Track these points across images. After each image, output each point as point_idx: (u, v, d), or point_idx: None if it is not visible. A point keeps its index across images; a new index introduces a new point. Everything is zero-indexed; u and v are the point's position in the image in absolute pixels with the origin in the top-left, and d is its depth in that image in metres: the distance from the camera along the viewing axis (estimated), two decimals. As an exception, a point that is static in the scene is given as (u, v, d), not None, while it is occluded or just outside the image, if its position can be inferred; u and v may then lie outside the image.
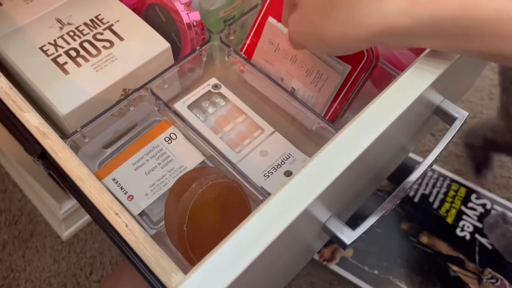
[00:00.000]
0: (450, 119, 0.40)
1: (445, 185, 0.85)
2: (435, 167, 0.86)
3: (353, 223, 0.35)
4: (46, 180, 0.66)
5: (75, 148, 0.43)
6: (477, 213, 0.81)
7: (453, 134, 0.39)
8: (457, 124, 0.40)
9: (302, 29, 0.34)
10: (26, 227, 0.79)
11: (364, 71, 0.44)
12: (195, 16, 0.49)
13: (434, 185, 0.84)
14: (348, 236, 0.34)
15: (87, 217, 0.79)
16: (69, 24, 0.48)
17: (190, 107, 0.50)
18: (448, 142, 0.40)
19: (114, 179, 0.43)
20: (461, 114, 0.40)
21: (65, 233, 0.77)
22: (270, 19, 0.47)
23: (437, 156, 0.40)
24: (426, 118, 0.43)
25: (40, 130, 0.33)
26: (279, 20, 0.47)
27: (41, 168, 0.42)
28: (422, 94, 0.33)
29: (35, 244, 0.78)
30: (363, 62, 0.44)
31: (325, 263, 0.77)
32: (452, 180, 0.85)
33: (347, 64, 0.43)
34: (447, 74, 0.35)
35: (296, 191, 0.28)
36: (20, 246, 0.78)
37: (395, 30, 0.29)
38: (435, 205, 0.82)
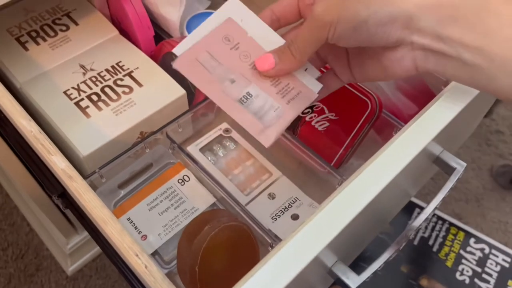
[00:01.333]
0: (449, 169, 0.42)
1: (444, 228, 0.86)
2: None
3: (354, 265, 0.37)
4: (57, 216, 0.68)
5: (93, 188, 0.45)
6: (476, 258, 0.83)
7: (452, 184, 0.42)
8: (456, 174, 0.42)
9: (338, 4, 0.32)
10: (32, 261, 0.80)
11: (368, 121, 0.47)
12: (209, 65, 0.52)
13: (433, 229, 0.86)
14: (353, 280, 0.36)
15: (92, 252, 0.80)
16: (91, 70, 0.52)
17: (202, 150, 0.52)
18: (448, 192, 0.42)
19: (129, 219, 0.45)
20: (460, 164, 0.42)
21: (71, 268, 0.78)
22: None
23: (438, 205, 0.42)
24: (427, 167, 0.46)
25: (67, 173, 0.35)
26: None
27: (60, 206, 0.44)
28: (424, 148, 0.35)
29: (40, 279, 0.78)
30: (367, 112, 0.47)
31: (326, 304, 0.77)
32: (451, 224, 0.87)
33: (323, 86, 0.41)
34: (448, 129, 0.38)
35: (307, 238, 0.30)
36: (26, 281, 0.78)
37: (380, 16, 0.30)
38: (435, 249, 0.83)
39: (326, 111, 0.50)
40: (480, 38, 0.28)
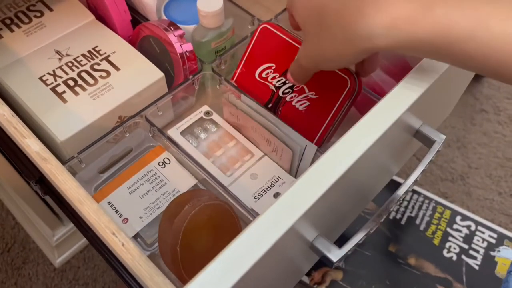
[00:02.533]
0: (429, 142, 0.43)
1: (430, 207, 0.87)
2: (420, 190, 0.89)
3: (340, 245, 0.37)
4: (40, 207, 0.67)
5: (72, 173, 0.45)
6: (463, 235, 0.83)
7: (431, 157, 0.42)
8: (435, 147, 0.42)
9: (312, 54, 0.39)
10: (19, 254, 0.80)
11: (348, 98, 0.47)
12: (187, 47, 0.52)
13: (420, 208, 0.87)
14: (335, 254, 0.36)
15: (79, 244, 0.79)
16: (67, 55, 0.51)
17: (183, 133, 0.52)
18: (428, 164, 0.42)
19: (109, 203, 0.44)
20: (439, 137, 0.43)
21: (58, 260, 0.77)
22: (229, 97, 0.51)
23: (418, 177, 0.42)
24: (407, 141, 0.46)
25: (41, 155, 0.35)
26: (249, 88, 0.51)
27: (39, 192, 0.44)
28: (400, 118, 0.35)
29: (28, 272, 0.78)
30: (346, 90, 0.47)
31: (315, 286, 0.78)
32: (437, 203, 0.87)
33: (304, 138, 0.46)
34: (423, 100, 0.38)
35: (282, 210, 0.30)
36: (13, 274, 0.78)
37: (380, 48, 0.33)
38: (422, 227, 0.84)
39: (306, 90, 0.49)
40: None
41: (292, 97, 0.50)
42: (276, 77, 0.50)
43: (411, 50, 0.32)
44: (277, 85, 0.50)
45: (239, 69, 0.53)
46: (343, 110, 0.48)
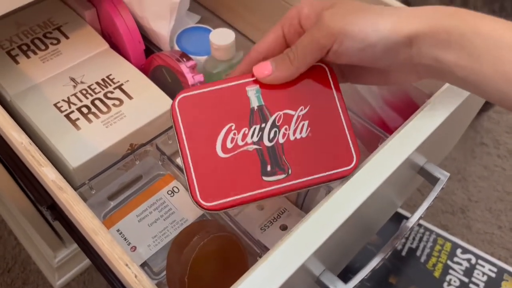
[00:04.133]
0: (433, 180, 0.43)
1: (431, 239, 0.87)
2: (421, 222, 0.89)
3: (343, 276, 0.37)
4: (44, 228, 0.68)
5: (83, 199, 0.46)
6: (463, 268, 0.84)
7: (436, 194, 0.43)
8: (440, 184, 0.43)
9: (342, 13, 0.33)
10: (19, 275, 0.79)
11: (337, 83, 0.38)
12: (199, 78, 0.53)
13: (420, 239, 0.87)
14: (340, 289, 0.36)
15: (80, 266, 0.79)
16: (82, 82, 0.52)
17: (191, 162, 0.52)
18: (432, 201, 0.43)
19: (118, 230, 0.45)
20: (443, 175, 0.43)
21: (58, 282, 0.77)
22: None
23: (422, 214, 0.43)
24: (412, 177, 0.47)
25: (57, 184, 0.36)
26: None
27: (49, 217, 0.45)
28: (407, 158, 0.36)
29: (27, 293, 0.78)
30: (329, 75, 0.38)
31: (315, 316, 0.77)
32: (438, 235, 0.88)
33: None
34: (430, 139, 0.39)
35: (294, 247, 0.31)
36: (12, 295, 0.77)
37: (388, 43, 0.33)
38: (422, 259, 0.84)
39: (292, 112, 0.41)
40: (471, 60, 0.31)
41: (284, 133, 0.37)
42: (246, 132, 0.36)
43: (430, 39, 0.32)
44: (255, 140, 0.36)
45: (191, 168, 0.36)
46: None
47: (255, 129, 0.36)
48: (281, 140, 0.37)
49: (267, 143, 0.36)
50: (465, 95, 0.41)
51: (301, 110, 0.37)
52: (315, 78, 0.37)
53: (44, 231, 0.69)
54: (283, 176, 0.36)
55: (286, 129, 0.37)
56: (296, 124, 0.37)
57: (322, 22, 0.33)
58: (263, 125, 0.37)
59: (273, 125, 0.37)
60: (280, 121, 0.37)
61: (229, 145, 0.36)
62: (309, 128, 0.37)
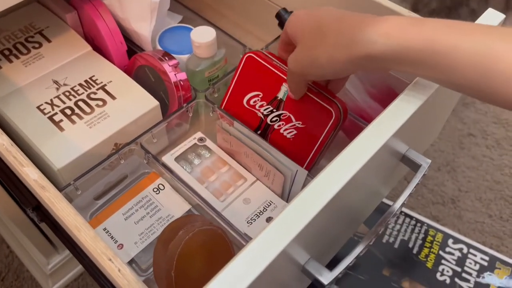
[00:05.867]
0: (415, 166, 0.44)
1: (422, 231, 0.88)
2: (412, 213, 0.90)
3: (332, 268, 0.38)
4: (36, 235, 0.68)
5: (69, 200, 0.46)
6: (455, 258, 0.84)
7: (418, 180, 0.43)
8: (422, 171, 0.44)
9: (300, 59, 0.40)
10: (12, 283, 0.79)
11: (333, 128, 0.48)
12: (182, 76, 0.54)
13: (412, 231, 0.87)
14: (326, 277, 0.37)
15: (74, 272, 0.79)
16: (65, 85, 0.52)
17: (177, 159, 0.53)
18: (415, 187, 0.43)
19: (105, 229, 0.45)
20: (425, 162, 0.44)
21: (51, 288, 0.77)
22: (223, 123, 0.53)
23: (405, 200, 0.43)
24: (394, 166, 0.47)
25: (39, 183, 0.36)
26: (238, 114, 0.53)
27: (35, 219, 0.45)
28: (386, 144, 0.37)
29: (20, 301, 0.77)
30: (331, 121, 0.47)
31: (310, 311, 0.78)
32: (429, 226, 0.88)
33: (295, 163, 0.48)
34: (408, 125, 0.39)
35: (274, 234, 0.31)
36: (5, 303, 0.77)
37: (372, 56, 0.35)
38: (415, 251, 0.85)
39: (293, 120, 0.50)
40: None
41: (280, 125, 0.51)
42: (264, 105, 0.51)
43: (400, 60, 0.34)
44: (265, 113, 0.51)
45: (227, 97, 0.54)
46: (329, 139, 0.49)
47: (268, 107, 0.51)
48: (275, 126, 0.51)
49: (268, 120, 0.51)
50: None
51: (299, 123, 0.50)
52: (321, 115, 0.48)
53: (36, 237, 0.69)
54: None
55: (282, 124, 0.51)
56: (289, 128, 0.50)
57: (289, 69, 0.42)
58: (274, 110, 0.51)
59: (279, 115, 0.51)
60: (284, 117, 0.50)
61: (251, 102, 0.52)
62: (293, 136, 0.50)
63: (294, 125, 0.50)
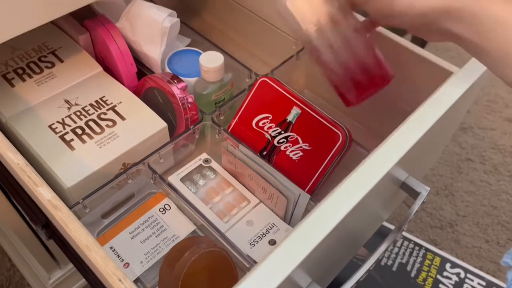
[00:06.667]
0: (414, 194, 0.45)
1: (421, 254, 0.89)
2: (411, 237, 0.91)
3: (332, 291, 0.39)
4: (38, 249, 0.68)
5: (77, 218, 0.47)
6: (452, 282, 0.85)
7: (417, 208, 0.44)
8: (421, 198, 0.45)
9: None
10: (12, 296, 0.79)
11: (339, 151, 0.50)
12: (189, 99, 0.55)
13: (410, 254, 0.88)
14: (327, 301, 0.38)
15: (75, 287, 0.80)
16: (76, 104, 0.54)
17: (183, 179, 0.54)
18: (413, 214, 0.45)
19: (111, 247, 0.46)
20: (424, 189, 0.45)
21: (51, 303, 0.77)
22: (228, 146, 0.54)
23: (405, 227, 0.45)
24: (395, 192, 0.49)
25: (53, 203, 0.37)
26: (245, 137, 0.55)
27: (43, 236, 0.46)
28: (388, 172, 0.38)
29: (20, 315, 0.78)
30: (338, 144, 0.50)
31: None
32: (428, 250, 0.89)
33: (298, 187, 0.49)
34: (410, 154, 0.41)
35: (280, 259, 0.32)
36: (5, 317, 0.77)
37: (443, 10, 0.37)
38: (413, 274, 0.85)
39: (300, 142, 0.53)
40: (480, 37, 0.36)
41: (286, 147, 0.53)
42: (272, 127, 0.54)
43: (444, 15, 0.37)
44: (273, 134, 0.53)
45: (237, 117, 0.56)
46: (334, 162, 0.51)
47: (277, 129, 0.54)
48: (282, 148, 0.54)
49: (275, 141, 0.54)
50: (442, 112, 0.43)
51: (306, 145, 0.52)
52: (328, 138, 0.51)
53: (39, 252, 0.69)
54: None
55: (289, 146, 0.53)
56: (296, 149, 0.53)
57: None
58: (282, 132, 0.54)
59: (286, 137, 0.54)
60: (291, 139, 0.53)
61: (260, 123, 0.55)
62: (299, 158, 0.53)
63: (301, 147, 0.52)
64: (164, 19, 0.57)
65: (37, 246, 0.67)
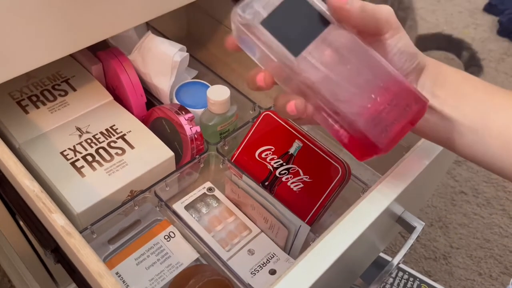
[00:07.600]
0: (410, 228, 0.47)
1: (415, 285, 0.90)
2: (405, 268, 0.92)
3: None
4: (40, 273, 0.69)
5: (84, 243, 0.48)
6: (446, 314, 0.86)
7: (412, 242, 0.46)
8: (416, 232, 0.47)
9: None
10: (9, 318, 0.80)
11: (339, 184, 0.52)
12: (196, 129, 0.58)
13: (405, 285, 0.90)
14: (326, 332, 0.39)
15: (72, 310, 0.80)
16: (87, 132, 0.56)
17: (187, 207, 0.56)
18: (409, 248, 0.47)
19: (117, 273, 0.48)
20: (419, 224, 0.47)
21: (48, 326, 0.77)
22: (232, 176, 0.56)
23: (401, 260, 0.46)
24: (391, 225, 0.51)
25: (66, 230, 0.39)
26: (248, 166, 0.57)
27: (51, 260, 0.47)
28: (386, 208, 0.41)
29: (16, 336, 0.78)
30: (338, 177, 0.52)
31: None
32: (422, 281, 0.90)
33: (298, 219, 0.50)
34: (406, 191, 0.43)
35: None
36: (0, 338, 0.77)
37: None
38: (407, 305, 0.87)
39: (301, 174, 0.55)
40: (458, 99, 0.38)
41: (287, 178, 0.55)
42: (275, 158, 0.56)
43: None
44: (275, 165, 0.56)
45: (240, 148, 0.58)
46: (333, 194, 0.53)
47: (279, 161, 0.56)
48: (283, 179, 0.56)
49: (276, 172, 0.56)
50: (437, 151, 0.45)
51: (306, 178, 0.54)
52: (328, 171, 0.53)
53: (40, 274, 0.70)
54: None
55: (290, 178, 0.55)
56: (297, 181, 0.55)
57: None
58: (284, 163, 0.55)
59: (288, 169, 0.55)
60: (292, 171, 0.55)
61: (262, 155, 0.57)
62: (300, 189, 0.55)
63: (302, 179, 0.54)
64: (175, 53, 0.60)
65: (39, 269, 0.68)
